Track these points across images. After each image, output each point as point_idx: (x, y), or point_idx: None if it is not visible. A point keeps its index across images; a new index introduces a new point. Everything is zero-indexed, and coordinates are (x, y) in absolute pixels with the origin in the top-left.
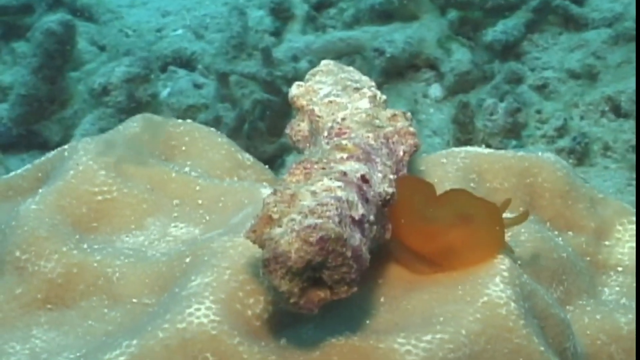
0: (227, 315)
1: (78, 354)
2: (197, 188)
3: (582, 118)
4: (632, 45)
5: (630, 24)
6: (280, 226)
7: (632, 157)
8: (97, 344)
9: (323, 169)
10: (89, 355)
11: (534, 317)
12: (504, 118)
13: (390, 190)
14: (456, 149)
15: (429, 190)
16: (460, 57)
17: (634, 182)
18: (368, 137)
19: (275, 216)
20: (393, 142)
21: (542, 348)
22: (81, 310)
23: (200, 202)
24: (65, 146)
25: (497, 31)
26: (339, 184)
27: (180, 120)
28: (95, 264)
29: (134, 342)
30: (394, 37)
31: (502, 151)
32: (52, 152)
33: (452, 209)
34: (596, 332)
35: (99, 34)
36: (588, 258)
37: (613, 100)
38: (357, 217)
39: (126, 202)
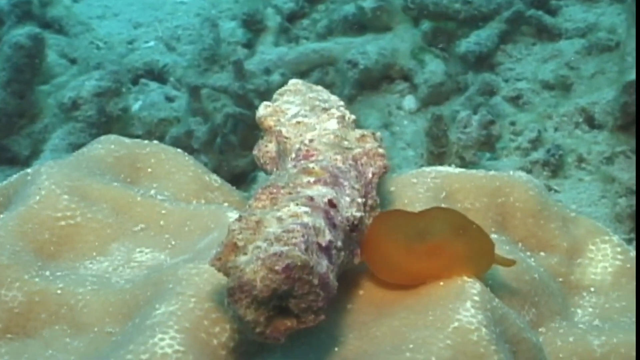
0: (192, 345)
1: None
2: (163, 212)
3: (556, 130)
4: (606, 56)
5: (604, 34)
6: (245, 254)
7: (606, 168)
8: None
9: (289, 193)
10: None
11: (506, 341)
12: (478, 130)
13: (358, 214)
14: (427, 169)
15: (407, 214)
16: (433, 68)
17: (607, 194)
18: (336, 159)
19: (241, 243)
20: (362, 164)
21: None
22: (43, 340)
23: (165, 226)
24: (28, 170)
25: (471, 42)
26: (306, 209)
27: (146, 142)
28: (58, 292)
29: None
30: (367, 49)
31: (473, 171)
32: (14, 176)
33: (445, 223)
34: (569, 355)
35: (70, 46)
36: (560, 279)
37: (587, 111)
38: (324, 244)
39: (90, 227)
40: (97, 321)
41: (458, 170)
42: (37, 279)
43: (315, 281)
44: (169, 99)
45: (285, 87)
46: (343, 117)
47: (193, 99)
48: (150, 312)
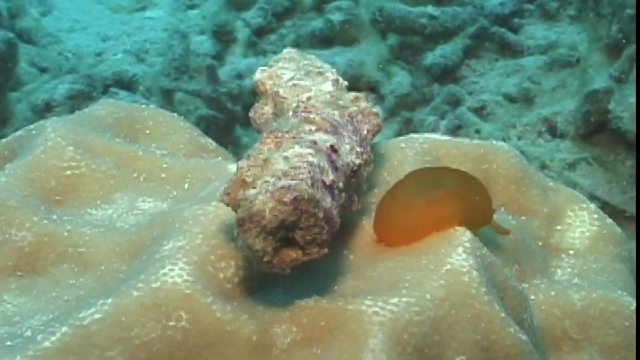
0: (200, 276)
1: (51, 316)
2: (164, 165)
3: (519, 138)
4: (567, 71)
5: (565, 50)
6: (254, 188)
7: (568, 174)
8: (69, 307)
9: (294, 137)
10: (63, 316)
11: (494, 287)
12: (445, 135)
13: (358, 161)
14: (415, 135)
15: (422, 170)
16: (400, 80)
17: None
18: (334, 114)
19: (249, 179)
20: (357, 121)
21: (502, 315)
22: (52, 277)
23: (167, 178)
24: (32, 125)
25: (437, 55)
26: (310, 150)
27: (144, 105)
28: (66, 234)
29: (109, 300)
30: (335, 60)
31: (459, 138)
32: (19, 131)
33: (457, 177)
34: (550, 307)
35: (39, 56)
36: (540, 242)
37: (549, 121)
38: (327, 182)
39: (94, 177)
40: (104, 260)
41: (444, 137)
42: (45, 221)
43: (321, 214)
44: None
45: (279, 55)
46: (337, 80)
47: (166, 102)
48: (158, 248)
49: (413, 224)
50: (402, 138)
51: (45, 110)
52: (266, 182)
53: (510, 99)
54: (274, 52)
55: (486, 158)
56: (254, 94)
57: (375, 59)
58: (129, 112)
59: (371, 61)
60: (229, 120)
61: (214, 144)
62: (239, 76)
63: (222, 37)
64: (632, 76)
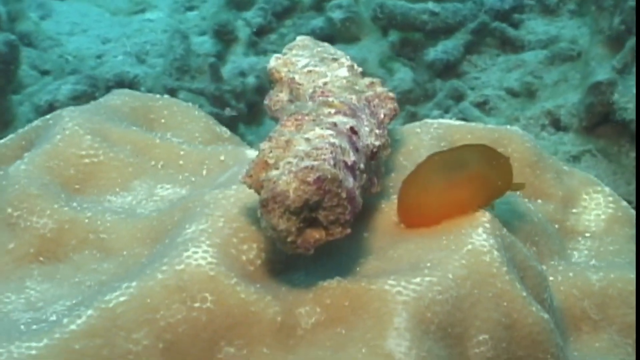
0: (224, 259)
1: (74, 301)
2: (181, 152)
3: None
4: (568, 65)
5: (566, 44)
6: (277, 169)
7: (573, 166)
8: (92, 292)
9: (314, 120)
10: (88, 300)
11: (514, 267)
12: None
13: (377, 143)
14: (429, 120)
15: (442, 152)
16: (402, 76)
17: None
18: (351, 98)
19: (271, 161)
20: (374, 105)
21: (524, 294)
22: (73, 264)
23: (185, 165)
24: (48, 115)
25: (438, 51)
26: (331, 132)
27: (158, 95)
28: (86, 220)
29: (134, 283)
30: None
31: (473, 123)
32: (35, 121)
33: (480, 154)
34: (569, 288)
35: (40, 58)
36: (557, 225)
37: (552, 114)
38: (349, 163)
39: (112, 165)
40: (125, 245)
41: (459, 122)
42: (65, 208)
43: (344, 194)
44: None
45: (293, 43)
46: (352, 66)
47: None
48: (180, 232)
49: (433, 207)
50: (417, 123)
51: (48, 111)
52: (289, 162)
53: (512, 93)
54: (275, 51)
55: (501, 142)
56: (256, 92)
57: (376, 56)
58: (143, 102)
59: (373, 58)
60: (233, 118)
61: (228, 132)
62: (242, 74)
63: (224, 36)
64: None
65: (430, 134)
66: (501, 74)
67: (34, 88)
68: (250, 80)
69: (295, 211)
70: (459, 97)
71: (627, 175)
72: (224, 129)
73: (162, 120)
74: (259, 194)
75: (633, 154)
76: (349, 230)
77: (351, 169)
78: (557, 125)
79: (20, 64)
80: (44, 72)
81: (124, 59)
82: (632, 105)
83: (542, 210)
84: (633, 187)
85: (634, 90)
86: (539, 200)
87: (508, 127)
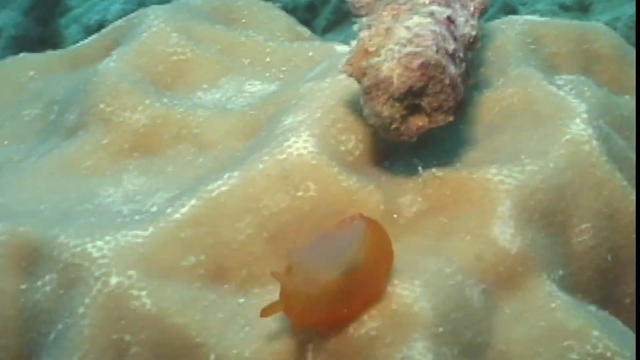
0: (324, 148)
1: (172, 194)
2: (267, 50)
3: None
4: None
5: None
6: (379, 56)
7: None
8: (189, 184)
9: (410, 9)
10: (189, 191)
11: (612, 157)
12: None
13: (474, 32)
14: (514, 17)
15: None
16: None
17: None
18: None
19: (372, 49)
20: None
21: (624, 183)
22: (168, 158)
23: (272, 62)
24: (132, 14)
25: None
26: (430, 20)
27: None
28: (179, 116)
29: (235, 173)
30: None
31: (558, 19)
32: (119, 21)
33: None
34: None
35: None
36: None
37: (610, 27)
38: (450, 50)
39: (199, 62)
40: (219, 140)
41: (543, 18)
42: (157, 104)
43: (447, 80)
44: None
45: None
46: None
47: None
48: (277, 124)
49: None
50: (501, 20)
51: (98, 31)
52: (391, 49)
53: (565, 7)
54: None
55: (586, 38)
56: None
57: None
58: (224, 2)
59: None
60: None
61: (309, 32)
62: None
63: None
64: None
65: (516, 30)
66: None
67: (79, 10)
68: None
69: (399, 97)
70: (510, 12)
71: None
72: (305, 28)
73: (243, 20)
74: (359, 82)
75: None
76: (452, 118)
77: (452, 56)
78: None
79: None
80: None
81: None
82: None
83: (630, 106)
84: None
85: None
86: (627, 96)
87: (593, 23)
